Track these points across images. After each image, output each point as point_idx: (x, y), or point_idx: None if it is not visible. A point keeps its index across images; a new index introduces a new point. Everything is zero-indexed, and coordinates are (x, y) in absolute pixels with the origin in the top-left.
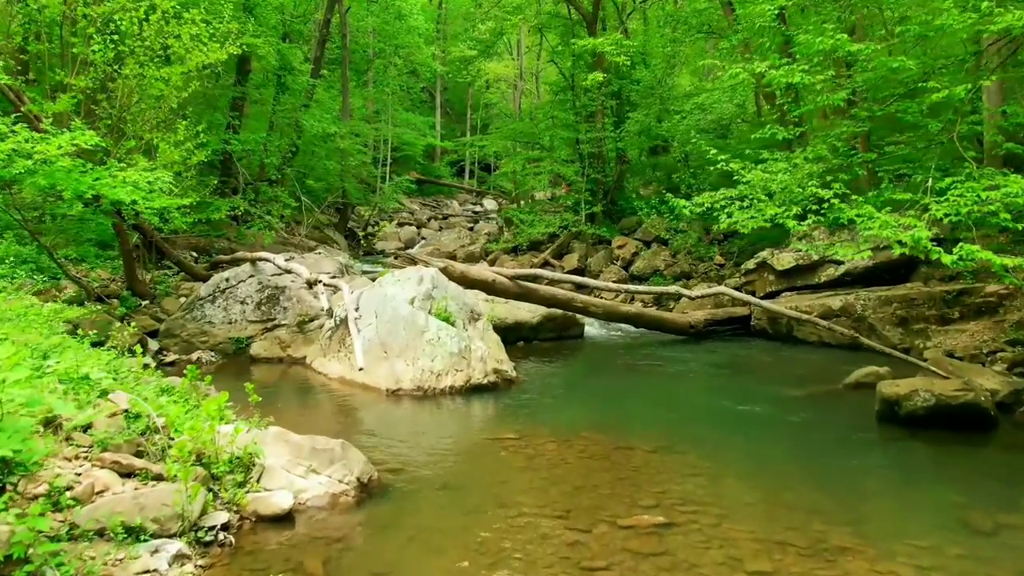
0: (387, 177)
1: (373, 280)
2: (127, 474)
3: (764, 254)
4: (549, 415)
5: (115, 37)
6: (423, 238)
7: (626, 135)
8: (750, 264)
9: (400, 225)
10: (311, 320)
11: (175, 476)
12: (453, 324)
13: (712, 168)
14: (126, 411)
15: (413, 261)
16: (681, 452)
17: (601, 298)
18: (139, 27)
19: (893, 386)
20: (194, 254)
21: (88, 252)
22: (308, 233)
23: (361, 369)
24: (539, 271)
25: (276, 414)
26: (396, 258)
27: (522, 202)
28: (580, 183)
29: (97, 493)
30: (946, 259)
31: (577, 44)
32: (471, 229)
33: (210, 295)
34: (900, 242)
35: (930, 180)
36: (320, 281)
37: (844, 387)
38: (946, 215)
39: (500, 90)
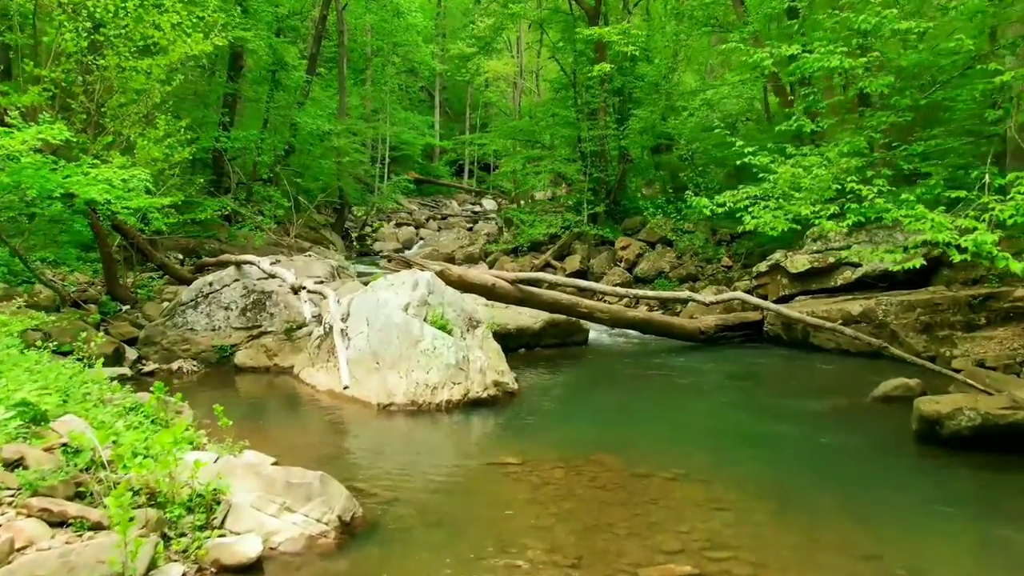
0: (385, 177)
1: (367, 284)
2: (60, 523)
3: (777, 256)
4: (555, 434)
5: (88, 25)
6: (421, 238)
7: (630, 133)
8: (762, 267)
9: (398, 225)
10: (299, 327)
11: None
12: (450, 332)
13: (720, 168)
14: (64, 445)
15: (408, 264)
16: (703, 480)
17: (607, 303)
18: (115, 15)
19: (933, 403)
20: (178, 257)
21: (69, 254)
22: (303, 234)
23: (346, 388)
24: (541, 275)
25: (255, 433)
26: (390, 260)
27: (522, 202)
28: (582, 182)
29: (18, 550)
30: (1015, 266)
31: (582, 33)
32: (470, 229)
33: (192, 300)
34: (959, 247)
35: (987, 176)
36: (304, 288)
37: (872, 400)
38: (1011, 216)
39: (500, 89)
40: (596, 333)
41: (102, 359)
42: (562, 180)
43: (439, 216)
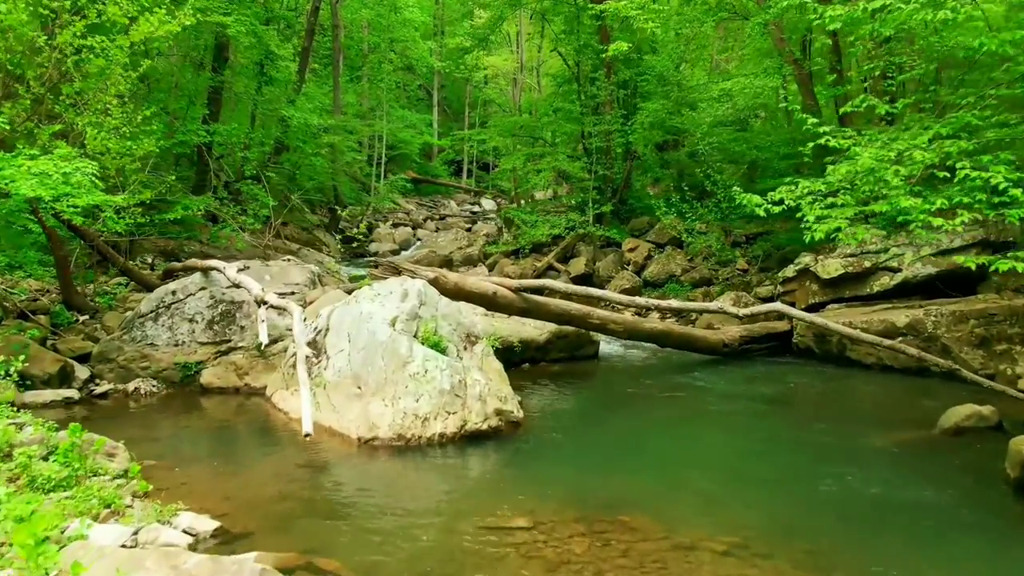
0: (382, 176)
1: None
2: None
3: (806, 260)
4: (571, 481)
5: None
6: (419, 239)
7: (638, 128)
8: (789, 271)
9: (395, 226)
10: (274, 342)
11: None
12: (444, 351)
13: (735, 165)
14: None
15: (397, 271)
16: (766, 555)
17: (622, 313)
18: None
19: None
20: (147, 260)
21: (29, 258)
22: (294, 235)
23: (308, 436)
24: (548, 282)
25: (205, 480)
26: (377, 266)
27: (523, 202)
28: (587, 180)
29: None
30: None
31: (594, 9)
32: (469, 230)
33: (153, 311)
34: None
35: None
36: (266, 303)
37: (940, 433)
38: None
39: (499, 86)
40: (607, 345)
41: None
42: (564, 179)
43: (437, 216)
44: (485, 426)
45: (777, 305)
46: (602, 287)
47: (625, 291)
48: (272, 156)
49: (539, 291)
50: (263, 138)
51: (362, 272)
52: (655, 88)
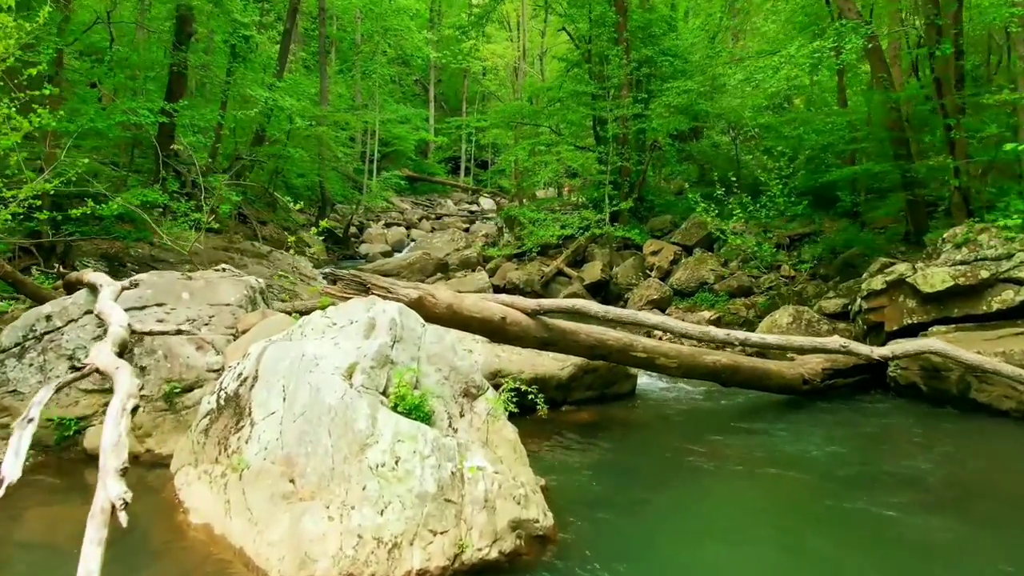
0: (374, 173)
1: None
2: None
3: (901, 268)
4: None
5: None
6: (413, 240)
7: (661, 112)
8: (876, 283)
9: (388, 225)
10: (188, 389)
11: None
12: (429, 418)
13: (769, 154)
14: None
15: (364, 287)
16: None
17: (674, 341)
18: None
19: None
20: (87, 265)
21: None
22: (273, 235)
23: (123, 506)
24: (580, 303)
25: None
26: (334, 282)
27: (524, 200)
28: (602, 173)
29: None
30: None
31: None
32: (467, 230)
33: (17, 345)
34: None
35: None
36: (123, 340)
37: None
38: None
39: (499, 78)
40: (645, 376)
41: None
42: (567, 177)
43: (433, 216)
44: (494, 553)
45: (934, 344)
46: (621, 297)
47: (653, 303)
48: (249, 148)
49: (567, 314)
50: (236, 124)
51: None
52: (681, 68)
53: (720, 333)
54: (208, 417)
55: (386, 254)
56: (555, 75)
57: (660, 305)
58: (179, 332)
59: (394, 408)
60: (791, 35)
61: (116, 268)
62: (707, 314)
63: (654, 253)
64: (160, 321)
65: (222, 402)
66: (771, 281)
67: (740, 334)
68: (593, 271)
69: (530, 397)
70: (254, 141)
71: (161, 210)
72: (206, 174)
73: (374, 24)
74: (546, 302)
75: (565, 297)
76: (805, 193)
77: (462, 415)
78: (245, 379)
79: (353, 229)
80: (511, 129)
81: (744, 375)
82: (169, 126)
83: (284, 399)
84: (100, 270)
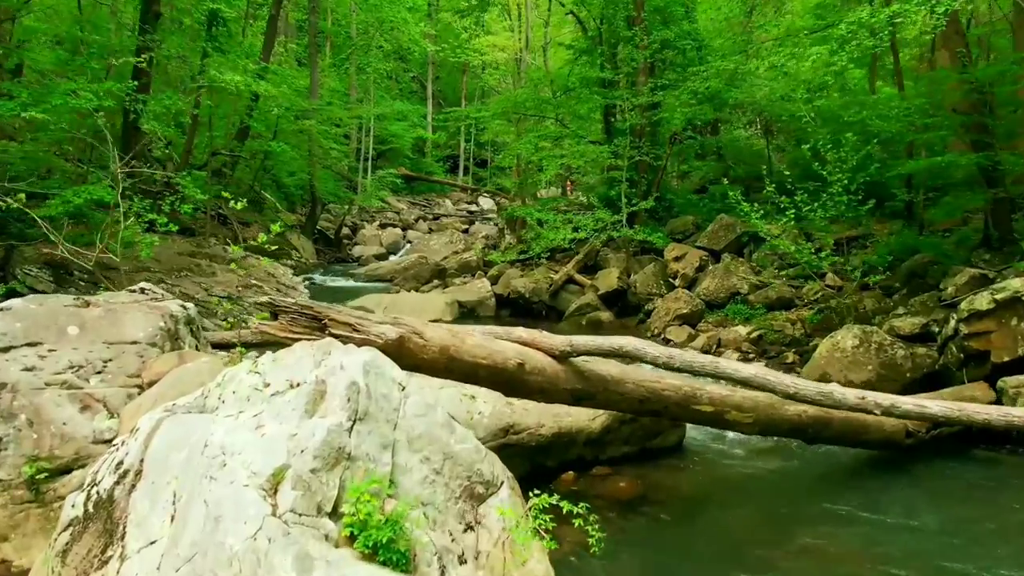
0: (369, 172)
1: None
2: None
3: (1016, 284)
4: None
5: None
6: (409, 241)
7: (686, 100)
8: (981, 302)
9: (383, 226)
10: (65, 471)
11: None
12: (407, 566)
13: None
14: None
15: (318, 322)
16: None
17: (750, 392)
18: None
19: None
20: (31, 272)
21: None
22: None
23: None
24: (630, 343)
25: None
26: (275, 315)
27: (526, 199)
28: (618, 169)
29: None
30: None
31: None
32: (466, 231)
33: None
34: None
35: None
36: None
37: None
38: None
39: (499, 73)
40: (694, 428)
41: None
42: (576, 175)
43: (430, 216)
44: None
45: None
46: (640, 308)
47: (682, 318)
48: (232, 144)
49: (611, 356)
50: (212, 114)
51: (344, 285)
52: (698, 54)
53: (851, 396)
54: (70, 531)
55: (380, 256)
56: (561, 65)
57: (690, 321)
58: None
59: (350, 543)
60: (834, 9)
61: (62, 278)
62: (742, 330)
63: (677, 259)
64: (29, 369)
65: (91, 508)
66: (815, 292)
67: (882, 397)
68: (609, 279)
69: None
70: (237, 136)
71: (122, 210)
72: (179, 170)
73: (369, 16)
74: (579, 340)
75: (578, 309)
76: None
77: (467, 530)
78: (125, 473)
79: (346, 230)
80: (513, 124)
81: (836, 429)
82: (134, 118)
83: (172, 516)
84: (44, 280)
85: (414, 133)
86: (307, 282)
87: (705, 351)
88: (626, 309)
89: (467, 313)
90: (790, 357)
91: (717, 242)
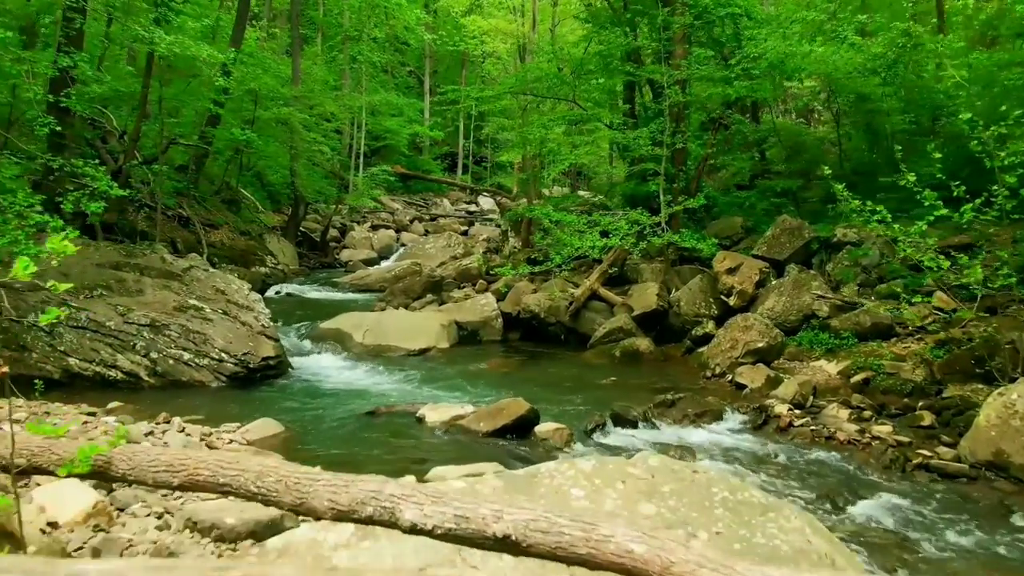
0: (360, 169)
1: None
2: None
3: None
4: None
5: None
6: (403, 245)
7: (741, 74)
8: None
9: (375, 228)
10: None
11: None
12: None
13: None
14: None
15: None
16: None
17: None
18: None
19: None
20: None
21: None
22: (227, 241)
23: None
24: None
25: None
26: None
27: (533, 198)
28: (654, 160)
29: None
30: None
31: None
32: (465, 233)
33: None
34: None
35: None
36: None
37: None
38: None
39: (503, 64)
40: None
41: None
42: (575, 175)
43: (427, 217)
44: None
45: None
46: (687, 333)
47: (756, 353)
48: (196, 132)
49: None
50: (167, 97)
51: (330, 297)
52: (746, 26)
53: None
54: None
55: (370, 261)
56: (576, 41)
57: (767, 357)
58: None
59: None
60: None
61: None
62: (829, 367)
63: (730, 271)
64: None
65: None
66: (923, 315)
67: None
68: (645, 297)
69: None
70: (208, 123)
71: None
72: (126, 161)
73: (362, 0)
74: None
75: (608, 334)
76: (935, 185)
77: None
78: None
79: (335, 232)
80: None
81: None
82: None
83: None
84: None
85: (410, 129)
86: (281, 292)
87: (798, 405)
88: (667, 333)
89: (468, 337)
90: (926, 418)
91: (779, 250)
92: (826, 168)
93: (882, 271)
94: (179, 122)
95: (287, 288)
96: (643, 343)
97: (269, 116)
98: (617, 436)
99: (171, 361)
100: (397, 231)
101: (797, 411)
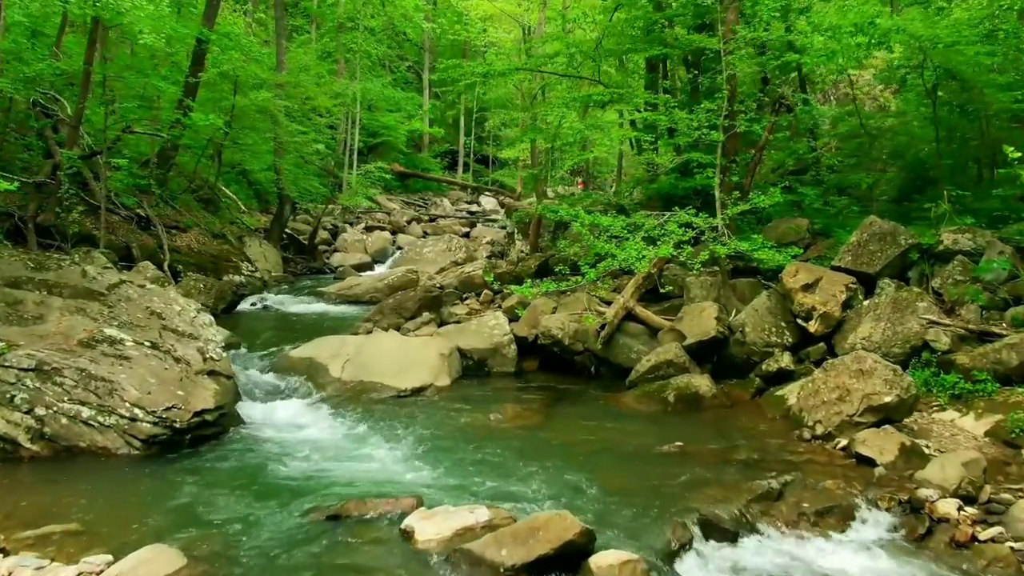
0: (353, 166)
1: None
2: None
3: None
4: None
5: None
6: (399, 248)
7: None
8: None
9: (369, 230)
10: None
11: None
12: None
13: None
14: None
15: None
16: None
17: None
18: None
19: None
20: None
21: None
22: (196, 246)
23: None
24: None
25: None
26: None
27: (553, 194)
28: (716, 146)
29: None
30: None
31: None
32: (467, 235)
33: None
34: None
35: None
36: None
37: None
38: None
39: (506, 56)
40: None
41: None
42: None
43: (425, 218)
44: None
45: None
46: (750, 366)
47: (879, 411)
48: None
49: None
50: (112, 76)
51: (306, 310)
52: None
53: None
54: None
55: (363, 266)
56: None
57: (894, 416)
58: None
59: None
60: None
61: None
62: (966, 422)
63: (807, 288)
64: None
65: None
66: None
67: None
68: (701, 320)
69: None
70: (181, 105)
71: None
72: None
73: None
74: None
75: (654, 369)
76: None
77: None
78: None
79: (325, 234)
80: (519, 110)
81: None
82: None
83: None
84: None
85: (408, 125)
86: (257, 305)
87: (967, 498)
88: (726, 366)
89: (474, 368)
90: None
91: (868, 260)
92: (1010, 149)
93: (1016, 289)
94: (129, 106)
95: (266, 299)
96: (702, 383)
97: (246, 103)
98: (714, 561)
99: (64, 420)
100: (393, 233)
101: (970, 509)
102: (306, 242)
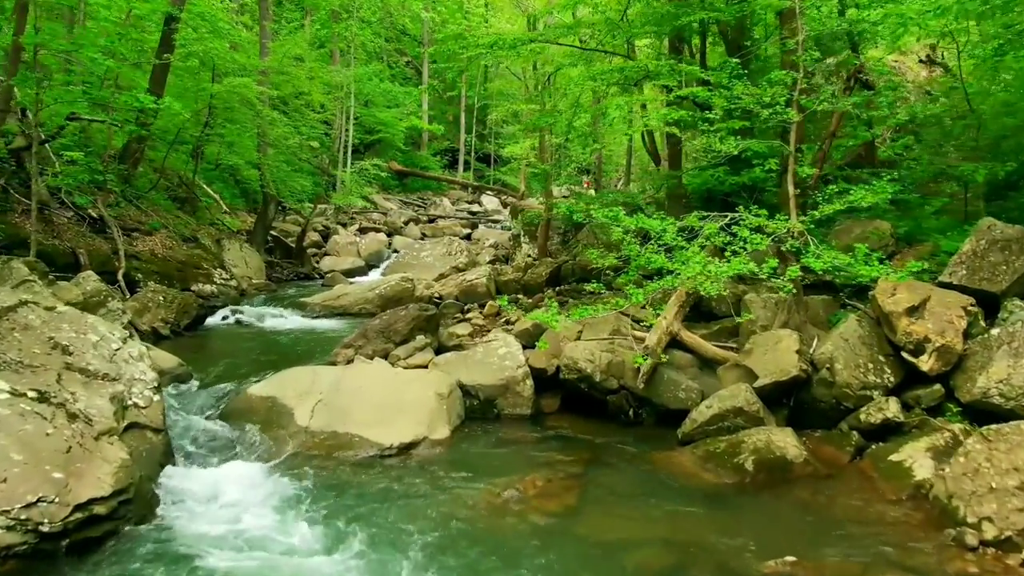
0: (348, 163)
1: None
2: None
3: None
4: None
5: None
6: (395, 251)
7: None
8: None
9: (363, 231)
10: None
11: None
12: None
13: None
14: None
15: None
16: None
17: None
18: None
19: None
20: None
21: None
22: (164, 252)
23: None
24: None
25: None
26: None
27: (568, 191)
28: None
29: None
30: None
31: None
32: (467, 237)
33: None
34: None
35: None
36: None
37: None
38: None
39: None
40: None
41: None
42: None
43: (424, 218)
44: None
45: None
46: (842, 414)
47: None
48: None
49: None
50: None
51: (285, 323)
52: None
53: None
54: None
55: (354, 272)
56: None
57: None
58: None
59: None
60: None
61: None
62: None
63: (911, 311)
64: None
65: None
66: None
67: None
68: (776, 354)
69: None
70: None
71: None
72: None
73: None
74: None
75: (717, 419)
76: None
77: None
78: None
79: (316, 236)
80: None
81: None
82: None
83: None
84: None
85: (407, 122)
86: (229, 319)
87: None
88: (806, 411)
89: (480, 410)
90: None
91: (989, 276)
92: None
93: None
94: (76, 89)
95: (240, 311)
96: (788, 444)
97: (221, 90)
98: None
99: None
100: (389, 235)
101: None
102: (293, 245)
